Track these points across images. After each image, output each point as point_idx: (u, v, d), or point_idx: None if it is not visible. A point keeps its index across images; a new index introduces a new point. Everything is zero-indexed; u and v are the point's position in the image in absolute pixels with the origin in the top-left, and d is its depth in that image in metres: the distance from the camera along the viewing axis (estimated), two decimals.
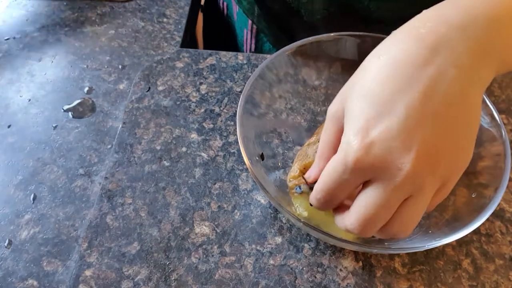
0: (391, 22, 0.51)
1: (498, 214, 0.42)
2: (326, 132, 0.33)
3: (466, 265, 0.39)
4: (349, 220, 0.29)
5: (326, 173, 0.30)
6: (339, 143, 0.29)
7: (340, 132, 0.31)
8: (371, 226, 0.29)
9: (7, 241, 0.40)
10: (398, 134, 0.26)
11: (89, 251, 0.39)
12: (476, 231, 0.41)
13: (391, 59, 0.28)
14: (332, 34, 0.43)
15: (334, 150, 0.31)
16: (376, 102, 0.27)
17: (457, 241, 0.40)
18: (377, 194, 0.27)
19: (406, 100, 0.26)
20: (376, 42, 0.43)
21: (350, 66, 0.46)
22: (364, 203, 0.28)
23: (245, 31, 0.62)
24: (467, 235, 0.33)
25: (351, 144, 0.27)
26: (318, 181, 0.31)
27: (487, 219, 0.33)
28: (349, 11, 0.51)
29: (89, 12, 0.61)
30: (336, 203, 0.31)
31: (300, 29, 0.49)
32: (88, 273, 0.38)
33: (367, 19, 0.51)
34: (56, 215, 0.42)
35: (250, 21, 0.60)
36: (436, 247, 0.39)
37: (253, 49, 0.63)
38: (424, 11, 0.30)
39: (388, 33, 0.31)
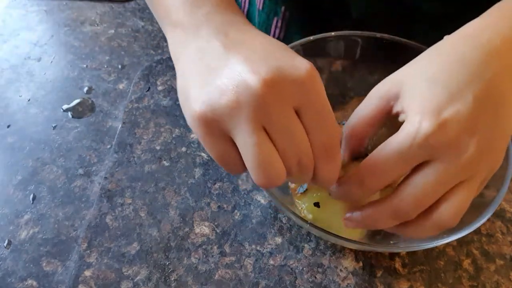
0: (434, 20, 0.51)
1: (498, 214, 0.42)
2: (367, 108, 0.33)
3: (467, 265, 0.39)
4: (403, 202, 0.29)
5: (387, 148, 0.29)
6: (378, 122, 0.32)
7: (384, 112, 0.32)
8: (424, 206, 0.29)
9: (6, 241, 0.40)
10: (467, 118, 0.28)
11: (88, 251, 0.39)
12: (477, 231, 0.41)
13: (453, 55, 0.31)
14: (332, 34, 0.43)
15: (369, 126, 0.33)
16: (447, 86, 0.29)
17: (458, 241, 0.40)
18: (438, 174, 0.28)
19: (473, 88, 0.29)
20: (376, 42, 0.43)
21: (350, 66, 0.46)
22: (422, 183, 0.29)
23: (275, 20, 0.61)
24: (467, 235, 0.33)
25: (424, 121, 0.28)
26: (366, 160, 0.31)
27: (488, 219, 0.33)
28: (397, 9, 0.51)
29: (89, 11, 0.61)
30: (381, 186, 0.31)
31: (343, 25, 0.49)
32: (87, 273, 0.38)
33: (412, 17, 0.51)
34: (56, 215, 0.41)
35: (283, 8, 0.59)
36: (437, 247, 0.39)
37: (281, 38, 0.62)
38: (475, 20, 0.33)
39: (428, 33, 0.35)
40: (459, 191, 0.29)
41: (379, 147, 0.30)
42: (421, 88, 0.30)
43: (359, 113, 0.34)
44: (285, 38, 0.61)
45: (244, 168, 0.29)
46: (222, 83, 0.27)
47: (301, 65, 0.27)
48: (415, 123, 0.28)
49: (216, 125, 0.27)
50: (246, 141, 0.27)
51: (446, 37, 0.33)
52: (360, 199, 0.32)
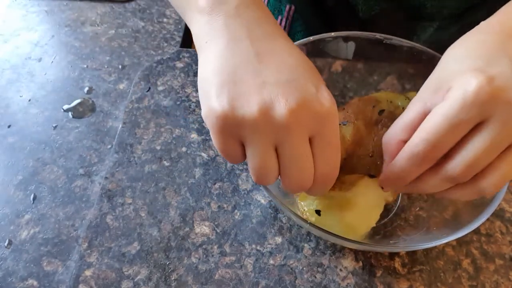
0: (440, 19, 0.51)
1: (498, 214, 0.42)
2: (405, 113, 0.32)
3: (466, 265, 0.39)
4: (454, 168, 0.28)
5: (436, 117, 0.28)
6: (416, 126, 0.30)
7: (422, 114, 0.30)
8: (477, 170, 0.28)
9: (7, 241, 0.40)
10: None
11: (89, 251, 0.39)
12: (476, 231, 0.41)
13: (473, 42, 0.31)
14: (332, 34, 0.43)
15: (405, 131, 0.31)
16: (481, 56, 0.29)
17: (457, 241, 0.40)
18: (492, 134, 0.27)
19: (506, 58, 0.28)
20: (376, 43, 0.43)
21: (350, 66, 0.46)
22: (478, 145, 0.27)
23: (279, 18, 0.61)
24: (467, 235, 0.33)
25: (471, 79, 0.27)
26: (417, 132, 0.29)
27: (487, 219, 0.33)
28: (402, 8, 0.51)
29: (89, 12, 0.61)
30: (436, 158, 0.29)
31: (349, 24, 0.49)
32: (88, 273, 0.38)
33: (417, 16, 0.52)
34: (56, 215, 0.42)
35: (287, 7, 0.60)
36: (436, 247, 0.39)
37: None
38: (481, 23, 0.33)
39: (434, 34, 0.33)
40: (507, 157, 0.28)
41: (427, 118, 0.29)
42: (459, 64, 0.30)
43: (397, 120, 0.33)
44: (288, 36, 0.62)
45: (243, 160, 0.31)
46: (250, 94, 0.27)
47: (325, 101, 0.28)
48: (461, 84, 0.27)
49: (231, 127, 0.28)
50: (254, 152, 0.28)
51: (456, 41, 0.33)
52: (415, 176, 0.31)
